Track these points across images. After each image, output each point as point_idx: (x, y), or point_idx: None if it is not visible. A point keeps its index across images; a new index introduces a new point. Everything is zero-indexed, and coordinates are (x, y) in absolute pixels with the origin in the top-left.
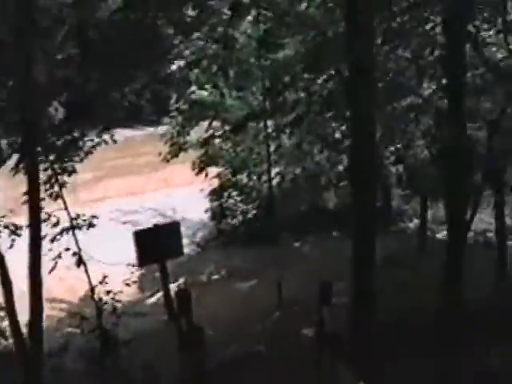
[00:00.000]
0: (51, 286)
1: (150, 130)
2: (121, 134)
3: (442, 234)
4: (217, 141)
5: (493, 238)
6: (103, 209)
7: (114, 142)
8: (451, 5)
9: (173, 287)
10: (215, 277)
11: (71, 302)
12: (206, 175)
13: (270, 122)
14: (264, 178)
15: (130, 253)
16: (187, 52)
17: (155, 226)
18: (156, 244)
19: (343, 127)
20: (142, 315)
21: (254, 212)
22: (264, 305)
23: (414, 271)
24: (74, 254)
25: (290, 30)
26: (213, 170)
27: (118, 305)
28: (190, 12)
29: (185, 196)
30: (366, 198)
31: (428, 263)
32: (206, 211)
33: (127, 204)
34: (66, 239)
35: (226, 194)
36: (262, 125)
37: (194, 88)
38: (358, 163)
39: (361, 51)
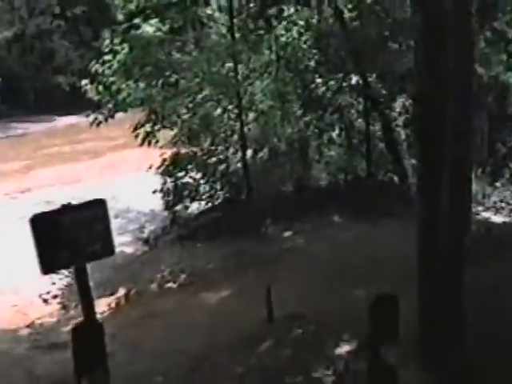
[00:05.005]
0: None
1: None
2: (62, 120)
3: None
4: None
5: None
6: (29, 200)
7: None
8: None
9: (109, 302)
10: (170, 285)
11: None
12: (150, 143)
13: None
14: (234, 145)
15: None
16: None
17: (64, 206)
18: (67, 237)
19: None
20: (58, 347)
21: (225, 194)
22: (246, 326)
23: None
24: None
25: None
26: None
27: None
28: None
29: (132, 182)
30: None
31: None
32: (154, 192)
33: (60, 194)
34: None
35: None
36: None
37: (137, 20)
38: None
39: None
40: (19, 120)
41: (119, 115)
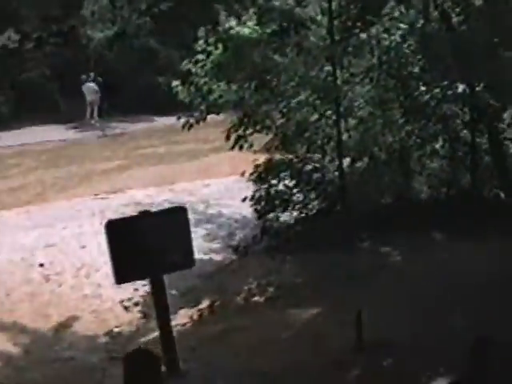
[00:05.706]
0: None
1: None
2: (160, 121)
3: None
4: None
5: None
6: (119, 201)
7: None
8: None
9: (192, 313)
10: (257, 298)
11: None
12: (241, 147)
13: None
14: (330, 153)
15: None
16: None
17: (143, 213)
18: (144, 246)
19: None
20: None
21: (319, 204)
22: (331, 350)
23: None
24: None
25: None
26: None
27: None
28: None
29: (225, 187)
30: None
31: None
32: (244, 200)
33: (151, 196)
34: None
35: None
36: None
37: (232, 23)
38: None
39: None
40: (118, 119)
41: (217, 118)
